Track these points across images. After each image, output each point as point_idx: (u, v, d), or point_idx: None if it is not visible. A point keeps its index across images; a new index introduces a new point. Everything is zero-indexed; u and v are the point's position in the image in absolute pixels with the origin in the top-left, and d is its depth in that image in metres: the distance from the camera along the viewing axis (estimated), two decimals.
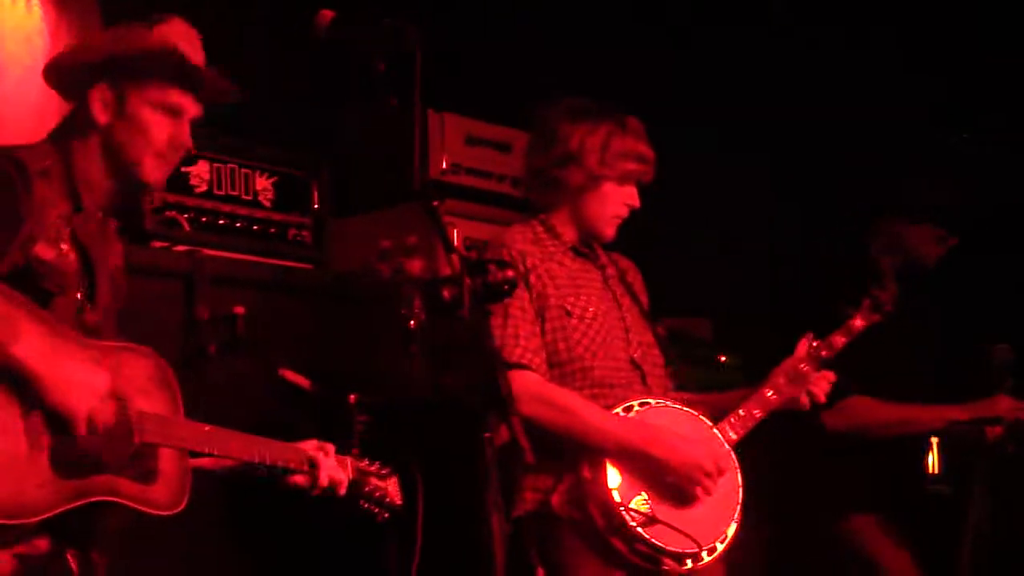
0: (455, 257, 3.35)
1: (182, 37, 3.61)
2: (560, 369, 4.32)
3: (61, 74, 3.62)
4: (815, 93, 6.48)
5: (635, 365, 4.44)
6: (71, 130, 3.59)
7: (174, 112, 3.59)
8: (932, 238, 5.50)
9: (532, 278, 4.32)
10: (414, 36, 3.50)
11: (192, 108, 3.63)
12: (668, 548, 4.17)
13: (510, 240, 4.39)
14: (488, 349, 3.29)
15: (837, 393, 4.87)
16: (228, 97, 3.75)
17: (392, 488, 3.98)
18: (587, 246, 4.53)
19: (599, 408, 4.26)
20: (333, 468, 3.82)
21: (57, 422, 3.24)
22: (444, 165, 5.62)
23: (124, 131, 3.55)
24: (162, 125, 3.57)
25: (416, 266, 5.01)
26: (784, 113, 6.49)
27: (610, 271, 4.58)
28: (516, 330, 4.26)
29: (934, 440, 5.68)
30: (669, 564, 4.19)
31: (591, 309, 4.39)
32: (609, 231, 4.51)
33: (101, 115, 3.55)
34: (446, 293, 3.31)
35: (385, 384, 4.84)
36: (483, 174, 5.76)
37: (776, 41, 6.55)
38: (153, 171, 3.60)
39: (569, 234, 4.49)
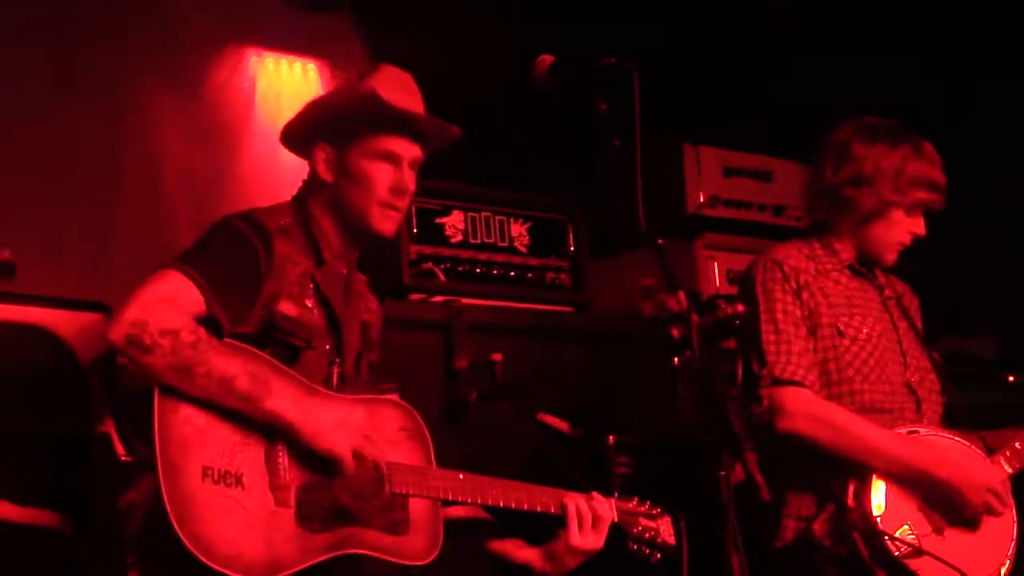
0: (682, 294, 3.29)
1: (392, 82, 3.66)
2: (827, 390, 4.19)
3: (291, 138, 3.75)
4: None
5: (911, 390, 4.28)
6: (308, 190, 3.70)
7: (391, 159, 3.64)
8: None
9: (805, 295, 4.22)
10: (634, 74, 3.45)
11: (409, 152, 3.67)
12: None
13: (784, 255, 4.29)
14: (719, 386, 3.22)
15: None
16: (447, 135, 3.77)
17: (664, 528, 3.87)
18: (865, 265, 4.40)
19: (877, 427, 4.12)
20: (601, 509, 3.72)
21: (319, 467, 3.32)
22: (701, 199, 5.55)
23: (347, 186, 3.63)
24: (382, 173, 3.62)
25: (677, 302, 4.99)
26: None
27: (887, 292, 4.44)
28: (789, 346, 4.15)
29: None
30: None
31: (865, 330, 4.26)
32: (891, 257, 4.37)
33: (325, 173, 3.65)
34: (675, 332, 3.26)
35: (648, 424, 4.80)
36: (743, 204, 5.67)
37: None
38: (380, 220, 3.65)
39: (847, 253, 4.36)
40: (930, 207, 4.33)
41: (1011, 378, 5.79)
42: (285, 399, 3.31)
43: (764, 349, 4.13)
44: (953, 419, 4.38)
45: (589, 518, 3.69)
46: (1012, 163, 6.21)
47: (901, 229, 4.32)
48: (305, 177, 3.73)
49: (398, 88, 3.66)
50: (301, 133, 3.70)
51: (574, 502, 3.68)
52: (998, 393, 5.60)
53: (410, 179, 3.67)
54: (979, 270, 6.28)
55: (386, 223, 3.66)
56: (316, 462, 3.34)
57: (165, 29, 6.28)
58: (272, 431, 3.30)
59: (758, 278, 4.24)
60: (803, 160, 5.81)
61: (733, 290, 5.32)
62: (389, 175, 3.63)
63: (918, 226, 4.34)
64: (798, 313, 4.20)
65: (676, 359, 4.84)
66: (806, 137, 4.58)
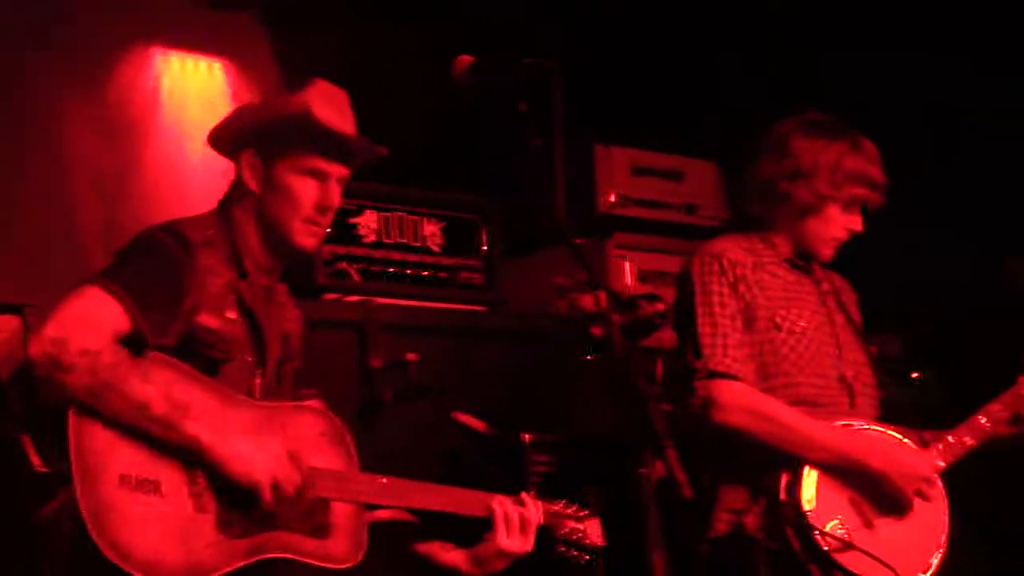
0: (602, 293, 3.31)
1: (325, 100, 3.62)
2: (764, 383, 4.20)
3: (219, 140, 3.70)
4: None
5: (845, 384, 4.31)
6: (233, 198, 3.66)
7: (319, 175, 3.61)
8: None
9: (741, 288, 4.23)
10: (553, 74, 3.47)
11: (337, 169, 3.64)
12: None
13: (721, 248, 4.30)
14: (639, 385, 3.24)
15: None
16: (372, 155, 3.75)
17: (592, 529, 3.85)
18: (803, 259, 4.43)
19: (811, 419, 4.15)
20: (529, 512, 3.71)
21: (234, 492, 3.30)
22: (612, 199, 5.58)
23: (272, 199, 3.59)
24: (307, 189, 3.59)
25: (589, 301, 5.00)
26: None
27: (825, 286, 4.47)
28: (725, 339, 4.17)
29: None
30: None
31: (801, 323, 4.28)
32: (827, 252, 4.40)
33: (250, 181, 3.61)
34: (596, 330, 3.28)
35: (563, 422, 4.82)
36: (653, 204, 5.71)
37: None
38: (303, 236, 3.62)
39: (784, 247, 4.39)
40: (867, 204, 4.35)
41: (914, 374, 5.86)
42: (203, 423, 3.27)
43: (700, 342, 4.14)
44: (894, 415, 4.42)
45: (517, 521, 3.67)
46: (931, 163, 6.28)
47: (837, 225, 4.33)
48: (231, 179, 3.68)
49: (332, 106, 3.63)
50: (228, 136, 3.66)
51: (501, 506, 3.66)
52: (903, 388, 5.65)
53: (335, 195, 3.64)
54: (883, 267, 6.34)
55: (308, 239, 3.63)
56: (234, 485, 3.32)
57: (70, 28, 6.21)
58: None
59: (695, 271, 4.25)
60: (716, 159, 5.90)
61: (645, 289, 5.33)
62: (314, 191, 3.59)
63: (855, 222, 4.35)
64: (735, 306, 4.21)
65: (594, 357, 4.90)
66: (724, 136, 4.61)
